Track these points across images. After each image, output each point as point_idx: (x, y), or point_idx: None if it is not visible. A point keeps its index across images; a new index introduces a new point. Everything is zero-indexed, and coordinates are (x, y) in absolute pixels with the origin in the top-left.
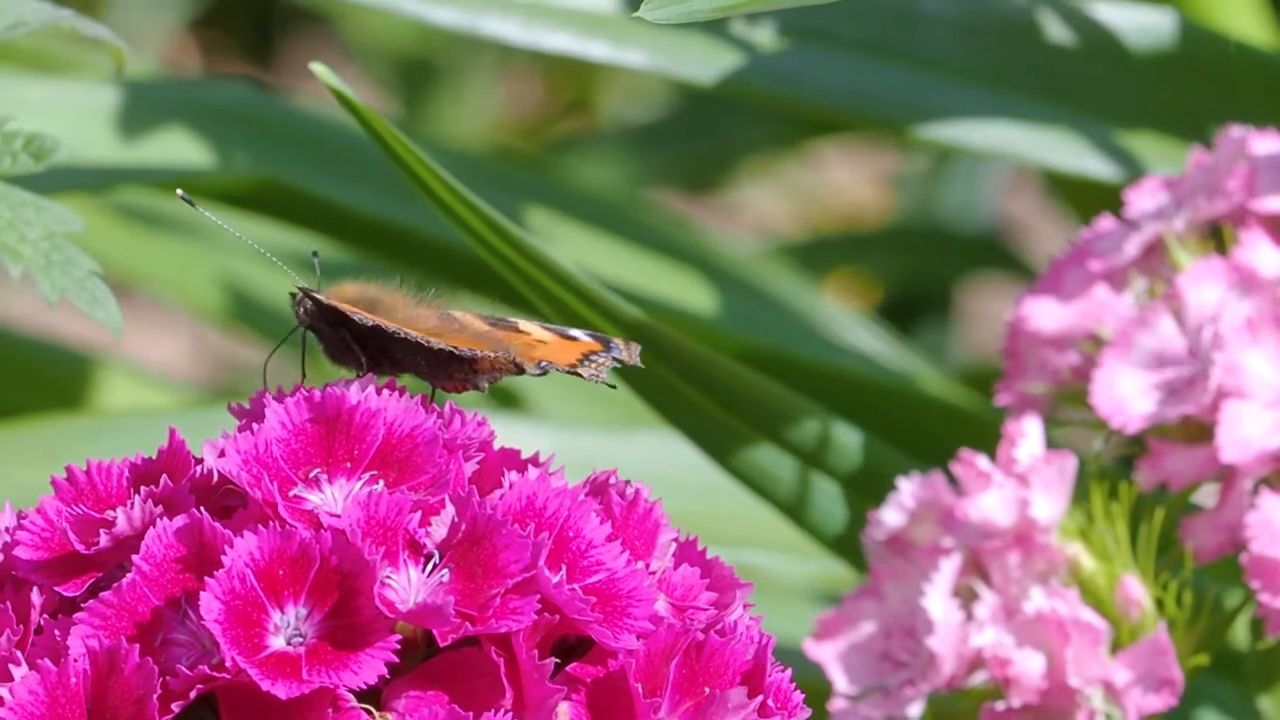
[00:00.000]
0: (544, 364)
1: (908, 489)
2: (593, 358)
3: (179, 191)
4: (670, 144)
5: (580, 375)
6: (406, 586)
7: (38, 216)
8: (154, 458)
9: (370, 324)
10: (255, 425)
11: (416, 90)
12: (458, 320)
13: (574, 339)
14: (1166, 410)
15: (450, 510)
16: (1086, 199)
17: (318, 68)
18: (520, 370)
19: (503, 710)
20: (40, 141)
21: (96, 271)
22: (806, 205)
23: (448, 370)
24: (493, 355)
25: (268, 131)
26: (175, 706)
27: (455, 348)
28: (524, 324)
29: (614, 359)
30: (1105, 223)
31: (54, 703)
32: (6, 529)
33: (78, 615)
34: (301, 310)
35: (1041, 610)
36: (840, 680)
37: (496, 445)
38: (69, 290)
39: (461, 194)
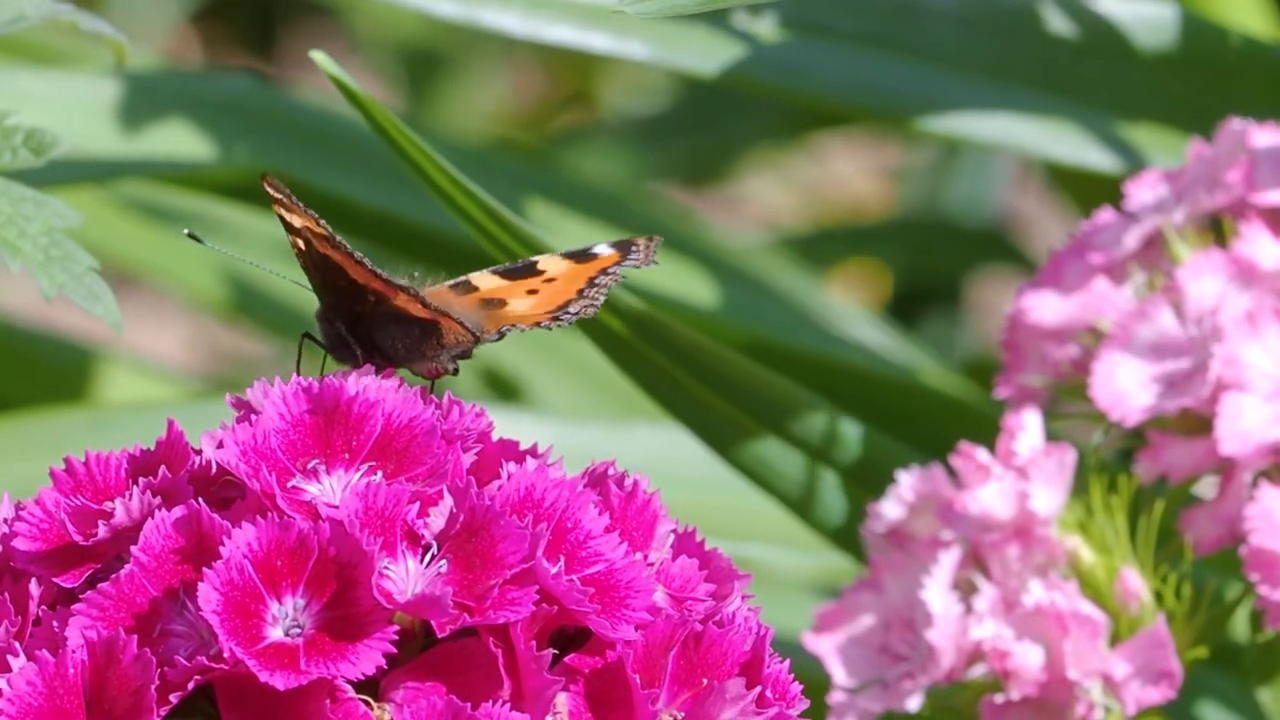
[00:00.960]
0: (505, 329)
1: (907, 482)
2: (596, 282)
3: (186, 231)
4: (673, 136)
5: (555, 324)
6: (404, 577)
7: (37, 212)
8: (152, 449)
9: (326, 233)
10: (254, 417)
11: (420, 83)
12: (455, 282)
13: (594, 256)
14: (1166, 403)
15: (448, 501)
16: (1089, 192)
17: (318, 56)
18: (476, 338)
19: (501, 701)
20: (40, 136)
21: (95, 267)
22: (809, 198)
23: (420, 349)
24: (452, 321)
25: (269, 124)
26: (173, 698)
27: (409, 310)
28: (544, 260)
29: (629, 265)
30: (1105, 215)
31: (52, 694)
32: (5, 520)
33: (76, 606)
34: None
35: (1040, 603)
36: (839, 673)
37: (496, 437)
38: (67, 286)
39: (462, 183)
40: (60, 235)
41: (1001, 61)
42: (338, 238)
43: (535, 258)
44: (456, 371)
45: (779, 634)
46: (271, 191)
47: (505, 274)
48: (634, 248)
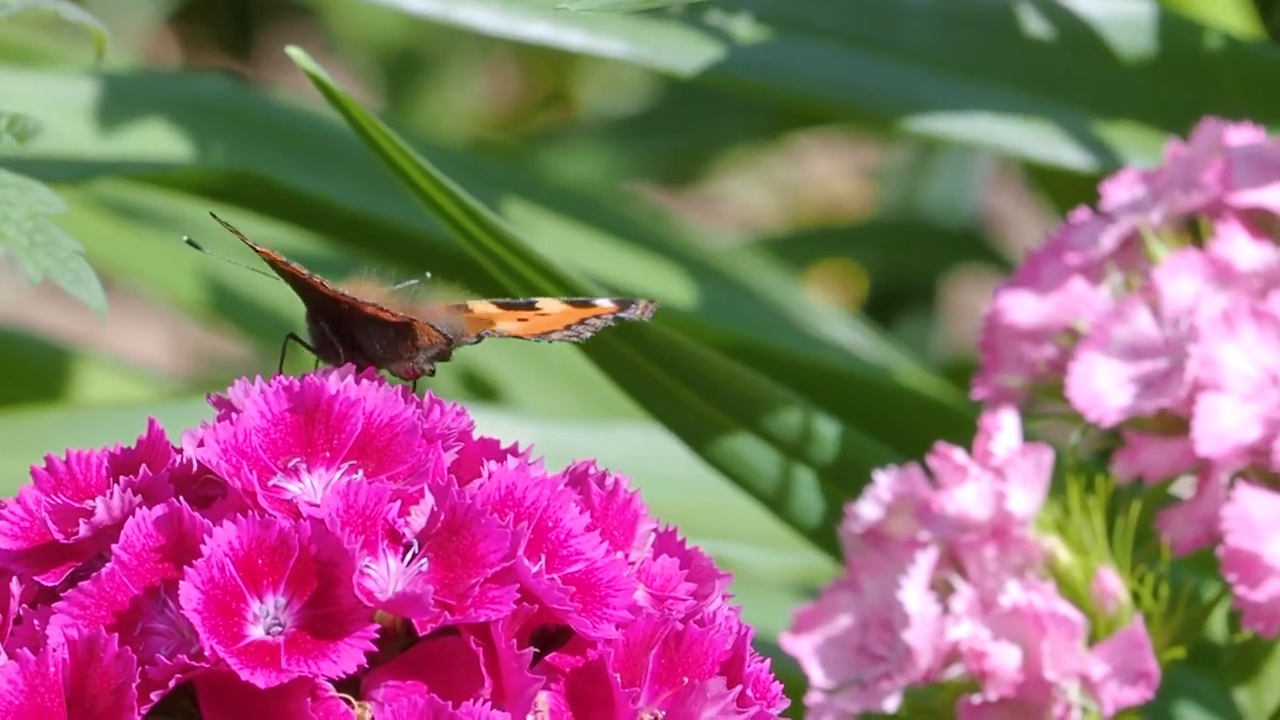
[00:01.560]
0: (485, 333)
1: (884, 482)
2: (586, 322)
3: (185, 238)
4: (650, 136)
5: (535, 340)
6: (385, 576)
7: (21, 197)
8: (133, 448)
9: (295, 272)
10: (234, 415)
11: (397, 84)
12: (439, 306)
13: (592, 305)
14: (1143, 403)
15: (429, 500)
16: (1066, 192)
17: (295, 53)
18: (449, 340)
19: (481, 700)
20: (23, 123)
21: (80, 252)
22: (787, 198)
23: (397, 350)
24: (424, 324)
25: (246, 125)
26: (154, 696)
27: (380, 314)
28: (543, 301)
29: (623, 317)
30: (1082, 216)
31: (33, 692)
32: None
33: (57, 605)
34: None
35: (1018, 603)
36: (817, 674)
37: (476, 437)
38: (52, 270)
39: (440, 181)
40: (45, 220)
41: (980, 60)
42: (293, 265)
43: (536, 298)
44: (433, 372)
45: (757, 634)
46: (225, 227)
47: (502, 305)
48: (633, 305)
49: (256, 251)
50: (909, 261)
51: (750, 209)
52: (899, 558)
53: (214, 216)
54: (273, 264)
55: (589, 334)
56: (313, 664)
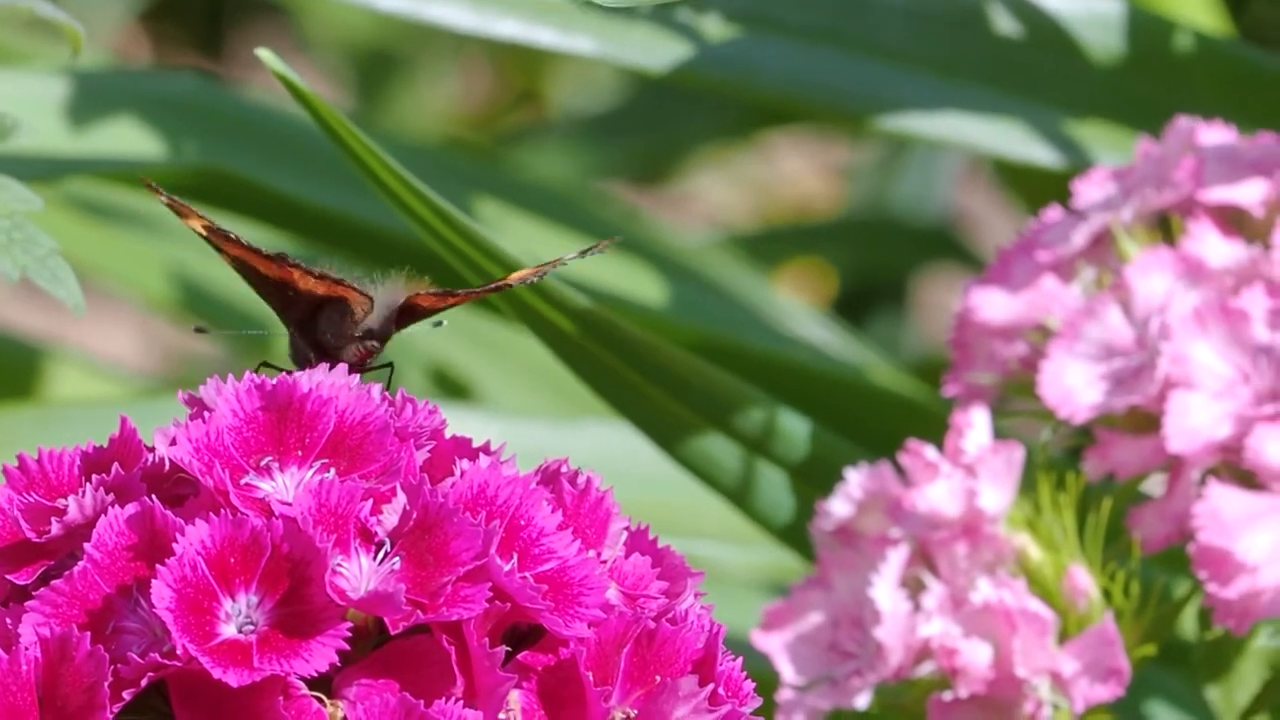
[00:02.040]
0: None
1: (855, 480)
2: (541, 275)
3: (195, 327)
4: (621, 135)
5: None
6: (358, 574)
7: None
8: (105, 446)
9: (216, 227)
10: (207, 414)
11: (370, 83)
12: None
13: (557, 260)
14: (1114, 400)
15: (402, 498)
16: (1037, 189)
17: (264, 54)
18: (371, 299)
19: (454, 698)
20: (1, 120)
21: (57, 250)
22: (758, 196)
23: (342, 330)
24: (350, 290)
25: (217, 123)
26: (126, 694)
27: (316, 290)
28: (515, 275)
29: (574, 258)
30: (1053, 213)
31: (5, 690)
32: None
33: (29, 603)
34: None
35: (989, 600)
36: (788, 671)
37: (448, 435)
38: (29, 268)
39: (409, 181)
40: (22, 218)
41: (950, 58)
42: (231, 233)
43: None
44: (376, 349)
45: (728, 631)
46: (160, 198)
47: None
48: (592, 249)
49: (198, 221)
50: (879, 259)
51: (720, 207)
52: (870, 555)
53: (148, 184)
54: (212, 235)
55: (531, 281)
56: (285, 662)
